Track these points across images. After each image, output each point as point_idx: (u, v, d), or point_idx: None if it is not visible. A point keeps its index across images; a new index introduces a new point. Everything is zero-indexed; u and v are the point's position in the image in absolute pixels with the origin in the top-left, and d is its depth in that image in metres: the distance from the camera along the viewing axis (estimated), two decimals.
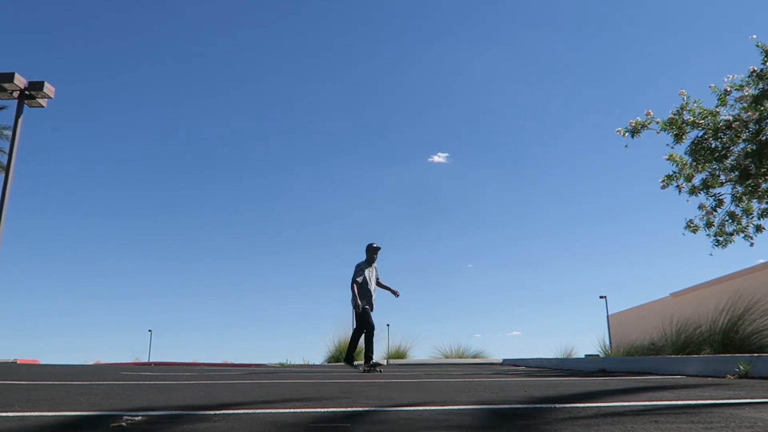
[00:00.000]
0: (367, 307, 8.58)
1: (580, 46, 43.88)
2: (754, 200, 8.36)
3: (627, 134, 8.39)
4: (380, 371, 8.29)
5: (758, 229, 8.46)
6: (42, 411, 2.30)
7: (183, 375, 7.31)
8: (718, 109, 8.10)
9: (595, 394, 3.29)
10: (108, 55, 43.04)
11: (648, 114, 8.36)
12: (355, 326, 8.76)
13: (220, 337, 37.12)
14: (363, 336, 8.55)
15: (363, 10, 44.40)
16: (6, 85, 12.71)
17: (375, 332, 8.63)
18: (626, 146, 8.44)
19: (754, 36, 7.80)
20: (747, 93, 7.89)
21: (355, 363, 8.66)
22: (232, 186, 46.51)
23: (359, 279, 8.55)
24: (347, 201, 46.00)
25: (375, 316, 8.80)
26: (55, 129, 42.94)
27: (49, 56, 39.55)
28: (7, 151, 13.27)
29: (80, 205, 43.79)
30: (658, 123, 8.30)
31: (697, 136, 8.25)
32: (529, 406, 2.53)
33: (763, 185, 8.00)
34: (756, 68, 7.83)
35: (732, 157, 8.24)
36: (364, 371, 8.26)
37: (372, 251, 8.73)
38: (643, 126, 8.36)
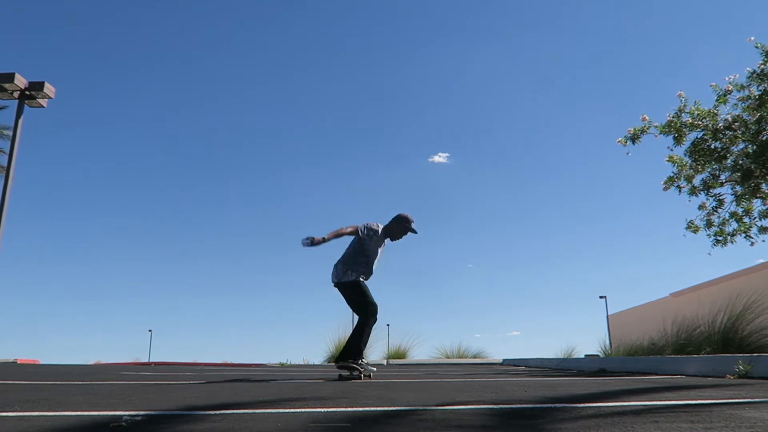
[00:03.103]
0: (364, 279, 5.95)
1: (580, 46, 43.90)
2: (756, 200, 8.38)
3: (627, 142, 8.45)
4: (369, 375, 5.83)
5: (762, 230, 8.48)
6: (42, 411, 2.30)
7: (183, 375, 7.31)
8: (716, 110, 8.12)
9: (595, 394, 3.29)
10: (108, 55, 43.05)
11: (644, 119, 8.39)
12: (359, 318, 5.85)
13: (220, 337, 37.11)
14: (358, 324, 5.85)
15: (363, 10, 44.41)
16: (6, 86, 12.72)
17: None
18: (628, 153, 8.50)
19: (752, 38, 7.84)
20: (751, 93, 7.92)
21: (363, 362, 5.77)
22: (232, 186, 46.54)
23: (363, 235, 5.86)
24: (347, 201, 45.98)
25: None
26: (55, 129, 42.99)
27: (49, 56, 39.56)
28: (8, 151, 13.29)
29: (80, 205, 43.81)
30: (656, 127, 8.34)
31: (697, 137, 8.27)
32: (530, 406, 2.53)
33: (763, 186, 8.02)
34: (754, 69, 7.86)
35: (731, 158, 8.26)
36: (341, 377, 5.76)
37: (403, 230, 5.98)
38: (642, 131, 8.41)
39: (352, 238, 6.00)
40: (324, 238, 5.67)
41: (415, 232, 6.00)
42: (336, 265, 5.91)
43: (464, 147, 45.85)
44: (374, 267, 6.03)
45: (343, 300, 5.91)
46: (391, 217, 6.04)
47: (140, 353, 36.08)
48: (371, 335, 5.90)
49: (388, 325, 22.22)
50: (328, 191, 46.25)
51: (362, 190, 45.88)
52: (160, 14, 41.69)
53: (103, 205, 44.48)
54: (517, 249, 44.40)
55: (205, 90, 45.73)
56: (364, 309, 5.74)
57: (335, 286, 5.90)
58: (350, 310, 6.10)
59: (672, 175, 8.68)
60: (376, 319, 5.82)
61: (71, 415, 2.18)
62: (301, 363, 20.45)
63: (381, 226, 5.99)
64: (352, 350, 5.68)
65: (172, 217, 44.80)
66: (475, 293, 40.68)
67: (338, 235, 5.80)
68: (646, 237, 41.91)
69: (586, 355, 14.89)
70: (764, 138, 7.77)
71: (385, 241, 6.12)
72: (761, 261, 13.43)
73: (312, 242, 5.61)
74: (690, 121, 8.13)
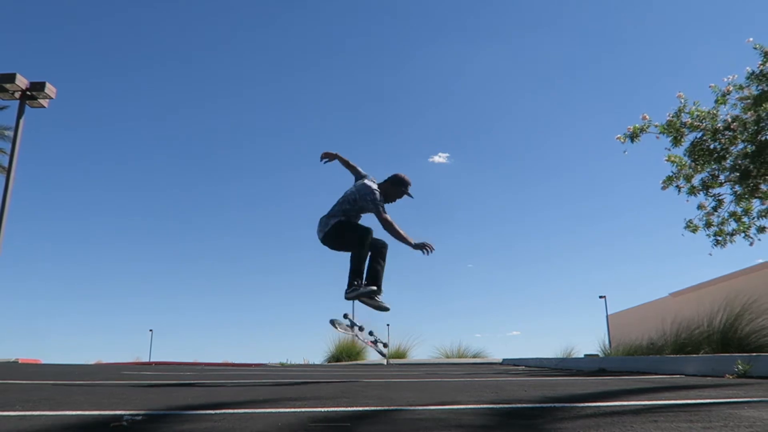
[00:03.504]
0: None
1: (580, 46, 43.90)
2: (755, 200, 8.40)
3: (626, 140, 8.46)
4: (384, 305, 5.22)
5: (761, 229, 8.50)
6: (42, 411, 2.31)
7: (183, 375, 7.32)
8: (716, 110, 8.14)
9: (595, 393, 3.29)
10: (108, 55, 43.06)
11: (644, 118, 8.41)
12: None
13: (220, 337, 37.16)
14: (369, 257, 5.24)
15: (363, 10, 44.42)
16: (7, 86, 12.73)
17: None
18: (625, 152, 8.50)
19: (751, 39, 7.86)
20: (749, 93, 7.93)
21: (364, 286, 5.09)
22: (232, 186, 46.53)
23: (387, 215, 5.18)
24: None
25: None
26: (55, 129, 43.01)
27: (49, 56, 39.56)
28: (9, 151, 13.31)
29: (80, 205, 43.82)
30: (656, 127, 8.35)
31: (696, 138, 8.29)
32: (529, 405, 2.54)
33: (762, 186, 8.03)
34: (753, 69, 7.87)
35: (731, 158, 8.28)
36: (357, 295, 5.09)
37: (399, 194, 5.32)
38: (642, 130, 8.42)
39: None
40: (338, 154, 5.51)
41: (411, 196, 5.36)
42: (320, 221, 5.28)
43: (464, 147, 45.84)
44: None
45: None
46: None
47: (141, 353, 36.11)
48: (383, 264, 5.24)
49: (388, 325, 22.23)
50: (329, 191, 46.21)
51: None
52: (160, 14, 41.70)
53: (103, 205, 44.49)
54: (517, 249, 44.39)
55: (205, 90, 45.74)
56: (358, 232, 5.09)
57: (323, 242, 5.27)
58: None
59: (671, 174, 8.69)
60: (372, 237, 5.11)
61: (72, 415, 2.19)
62: (301, 363, 20.48)
63: (376, 183, 5.33)
64: (350, 276, 5.05)
65: (172, 217, 44.81)
66: (475, 293, 40.69)
67: (351, 165, 5.52)
68: (646, 237, 41.92)
69: (585, 355, 14.91)
70: (763, 138, 7.78)
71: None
72: (760, 261, 13.46)
73: (326, 154, 5.49)
74: (689, 121, 8.15)
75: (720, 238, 8.64)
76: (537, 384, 4.30)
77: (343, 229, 5.16)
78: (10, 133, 14.46)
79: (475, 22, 43.42)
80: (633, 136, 8.42)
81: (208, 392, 3.58)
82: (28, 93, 13.08)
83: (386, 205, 5.31)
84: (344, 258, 5.19)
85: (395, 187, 5.30)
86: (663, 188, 8.78)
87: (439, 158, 41.52)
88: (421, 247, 4.98)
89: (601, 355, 12.47)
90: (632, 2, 40.55)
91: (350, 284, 5.07)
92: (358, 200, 5.20)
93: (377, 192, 5.17)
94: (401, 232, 5.04)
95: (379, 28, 44.96)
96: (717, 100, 8.16)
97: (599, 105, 43.68)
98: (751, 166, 7.77)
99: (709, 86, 8.31)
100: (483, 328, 40.15)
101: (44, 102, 13.43)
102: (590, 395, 3.16)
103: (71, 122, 41.98)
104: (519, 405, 2.56)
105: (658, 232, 41.18)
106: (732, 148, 8.20)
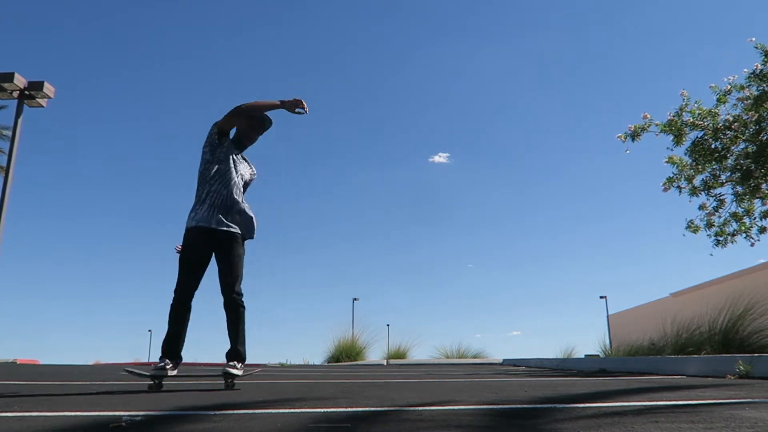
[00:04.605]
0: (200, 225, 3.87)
1: (581, 46, 43.93)
2: (756, 200, 8.39)
3: (627, 139, 8.45)
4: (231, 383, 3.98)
5: (762, 230, 8.48)
6: (41, 411, 2.30)
7: (183, 375, 7.30)
8: (717, 110, 8.13)
9: (595, 394, 3.28)
10: (108, 55, 43.09)
11: (645, 117, 8.40)
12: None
13: (220, 337, 37.17)
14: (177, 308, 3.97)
15: (363, 10, 44.45)
16: (6, 85, 12.72)
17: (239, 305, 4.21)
18: (627, 151, 8.49)
19: (753, 39, 7.84)
20: (749, 93, 7.92)
21: (162, 364, 3.93)
22: None
23: (215, 131, 3.92)
24: (348, 201, 46.03)
25: None
26: (54, 129, 43.04)
27: (49, 56, 39.58)
28: (7, 151, 13.30)
29: (80, 204, 43.84)
30: (657, 125, 8.34)
31: (697, 137, 8.28)
32: (530, 406, 2.53)
33: (763, 186, 8.02)
34: (753, 70, 7.85)
35: (732, 158, 8.27)
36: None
37: (253, 126, 4.04)
38: (643, 129, 8.41)
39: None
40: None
41: (269, 121, 4.10)
42: None
43: (464, 147, 45.88)
44: (236, 188, 3.98)
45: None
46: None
47: (140, 353, 36.12)
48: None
49: (388, 325, 22.26)
50: (328, 192, 46.26)
51: (362, 191, 45.90)
52: (160, 14, 41.72)
53: (103, 204, 44.53)
54: (517, 249, 44.44)
55: (205, 90, 45.76)
56: (183, 277, 3.98)
57: None
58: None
59: (671, 175, 8.69)
60: (177, 305, 4.03)
61: (71, 415, 2.18)
62: (301, 363, 20.45)
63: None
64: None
65: (171, 217, 44.84)
66: (475, 293, 40.74)
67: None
68: (646, 237, 41.97)
69: (586, 355, 14.89)
70: (764, 138, 7.77)
71: (249, 169, 4.21)
72: (762, 261, 13.45)
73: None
74: (691, 120, 8.14)
75: (721, 239, 8.63)
76: (537, 384, 4.29)
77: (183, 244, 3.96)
78: (9, 133, 14.45)
79: (475, 22, 43.46)
80: (634, 135, 8.41)
81: (207, 392, 3.57)
82: (26, 92, 13.08)
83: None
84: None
85: (239, 117, 3.94)
86: (664, 190, 8.77)
87: (439, 158, 41.56)
88: (292, 105, 3.92)
89: (601, 355, 12.46)
90: (632, 2, 40.58)
91: (164, 354, 3.97)
92: (201, 166, 3.98)
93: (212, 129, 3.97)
94: (258, 102, 3.91)
95: (379, 28, 44.99)
96: (719, 98, 8.14)
97: (599, 104, 43.72)
98: (753, 166, 7.76)
99: (710, 86, 8.30)
100: (483, 328, 40.23)
101: (43, 101, 13.42)
102: (591, 395, 3.15)
103: (71, 122, 42.00)
104: (520, 405, 2.55)
105: (658, 232, 41.25)
106: (733, 147, 8.18)
